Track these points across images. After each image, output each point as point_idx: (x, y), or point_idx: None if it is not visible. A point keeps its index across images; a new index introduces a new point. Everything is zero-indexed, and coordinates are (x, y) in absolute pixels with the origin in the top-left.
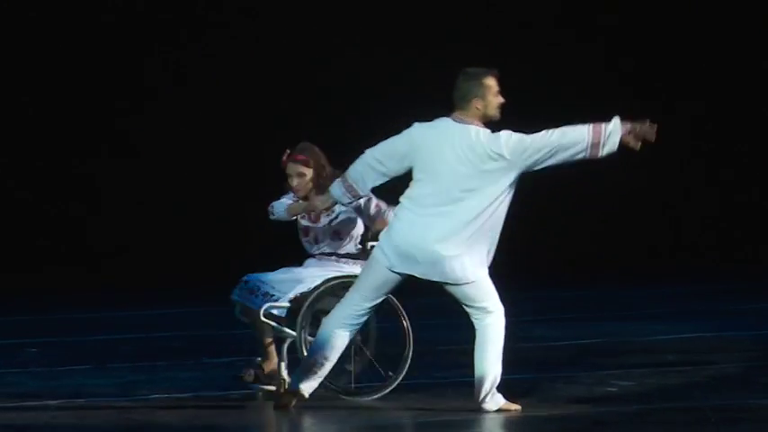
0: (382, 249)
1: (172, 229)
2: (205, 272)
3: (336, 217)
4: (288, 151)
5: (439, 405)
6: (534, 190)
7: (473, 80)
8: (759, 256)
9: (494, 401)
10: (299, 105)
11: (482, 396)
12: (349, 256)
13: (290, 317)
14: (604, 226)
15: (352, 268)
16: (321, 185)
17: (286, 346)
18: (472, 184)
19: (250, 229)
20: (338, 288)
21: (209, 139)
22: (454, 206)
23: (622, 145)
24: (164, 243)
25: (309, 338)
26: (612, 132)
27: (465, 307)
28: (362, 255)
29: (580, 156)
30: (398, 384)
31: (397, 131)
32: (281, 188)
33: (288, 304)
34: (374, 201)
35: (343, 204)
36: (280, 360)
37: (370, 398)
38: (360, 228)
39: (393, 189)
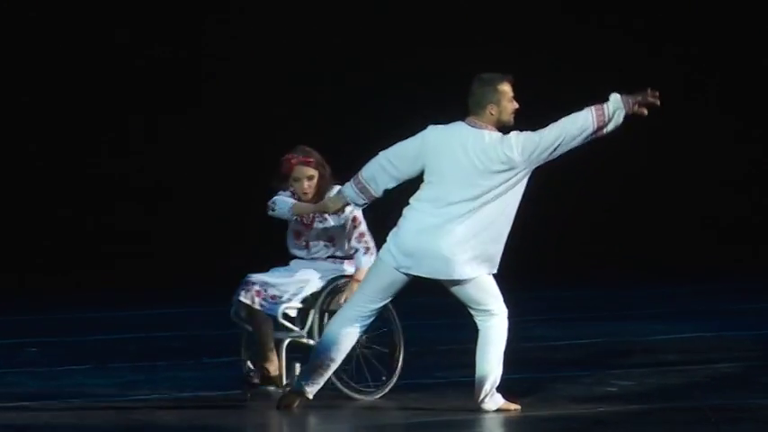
0: (389, 250)
1: (172, 229)
2: (205, 272)
3: (330, 222)
4: (292, 155)
5: (439, 405)
6: (534, 190)
7: (488, 86)
8: (759, 256)
9: (493, 401)
10: (299, 106)
11: (482, 396)
12: (344, 257)
13: (301, 318)
14: (604, 226)
15: (351, 268)
16: (322, 187)
17: (285, 346)
18: (483, 186)
19: (250, 228)
20: (345, 287)
21: (208, 140)
22: (464, 208)
23: (633, 116)
24: (164, 243)
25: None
26: (616, 109)
27: (469, 309)
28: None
29: (588, 139)
30: (398, 384)
31: (397, 133)
32: (273, 188)
33: (300, 305)
34: (359, 230)
35: (357, 206)
36: (280, 360)
37: (370, 398)
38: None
39: (403, 191)
